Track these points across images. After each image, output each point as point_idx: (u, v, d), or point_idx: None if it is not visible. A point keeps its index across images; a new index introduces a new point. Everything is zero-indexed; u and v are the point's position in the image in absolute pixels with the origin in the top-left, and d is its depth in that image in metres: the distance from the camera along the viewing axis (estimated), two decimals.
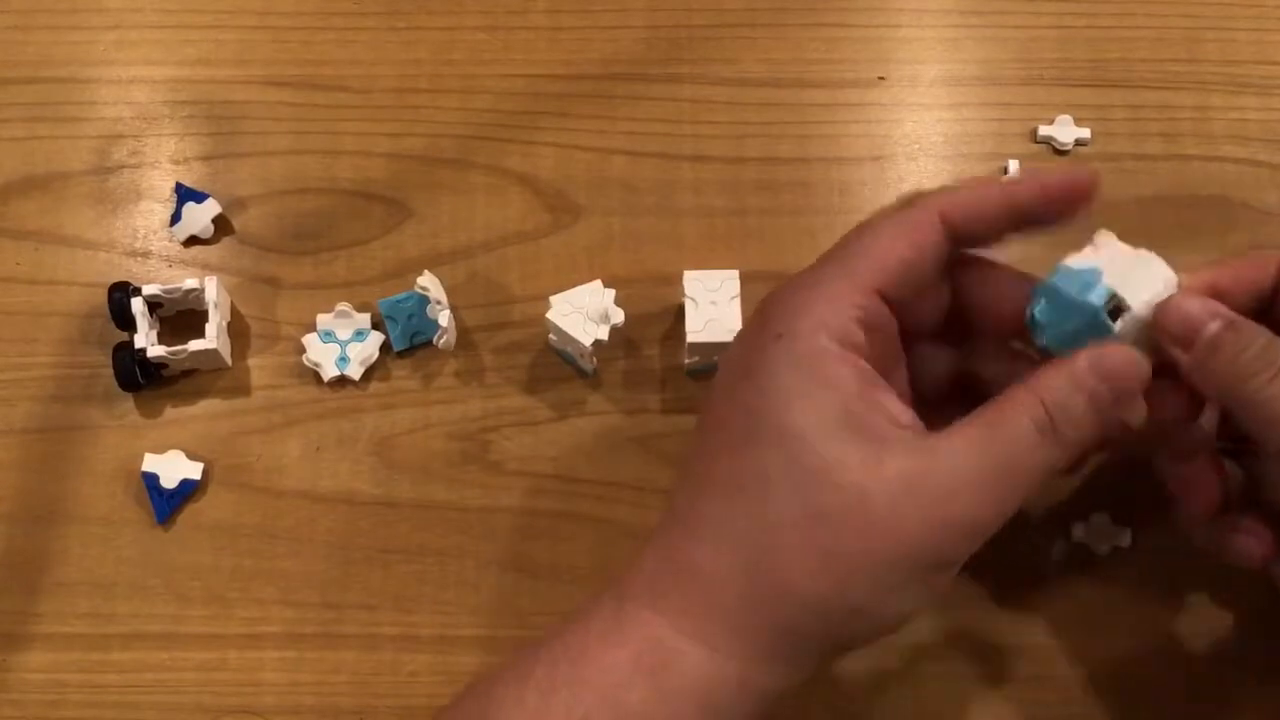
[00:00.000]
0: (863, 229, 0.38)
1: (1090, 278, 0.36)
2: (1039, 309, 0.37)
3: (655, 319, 0.50)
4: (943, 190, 0.38)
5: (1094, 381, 0.35)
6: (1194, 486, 0.41)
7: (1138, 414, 0.36)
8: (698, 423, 0.39)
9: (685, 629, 0.35)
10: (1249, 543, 0.40)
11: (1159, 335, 0.36)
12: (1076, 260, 0.36)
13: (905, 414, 0.36)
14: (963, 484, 0.34)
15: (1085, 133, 0.53)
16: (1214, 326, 0.35)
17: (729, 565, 0.35)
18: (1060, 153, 0.53)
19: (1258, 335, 0.35)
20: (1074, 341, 0.36)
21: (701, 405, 0.39)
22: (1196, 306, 0.36)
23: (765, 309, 0.38)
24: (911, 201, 0.38)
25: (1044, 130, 0.53)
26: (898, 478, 0.34)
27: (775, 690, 0.36)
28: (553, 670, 0.35)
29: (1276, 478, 0.40)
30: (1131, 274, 0.36)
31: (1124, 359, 0.35)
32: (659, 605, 0.36)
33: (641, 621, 0.36)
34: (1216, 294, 0.37)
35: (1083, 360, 0.35)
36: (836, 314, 0.36)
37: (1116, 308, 0.36)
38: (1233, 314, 0.36)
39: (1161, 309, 0.36)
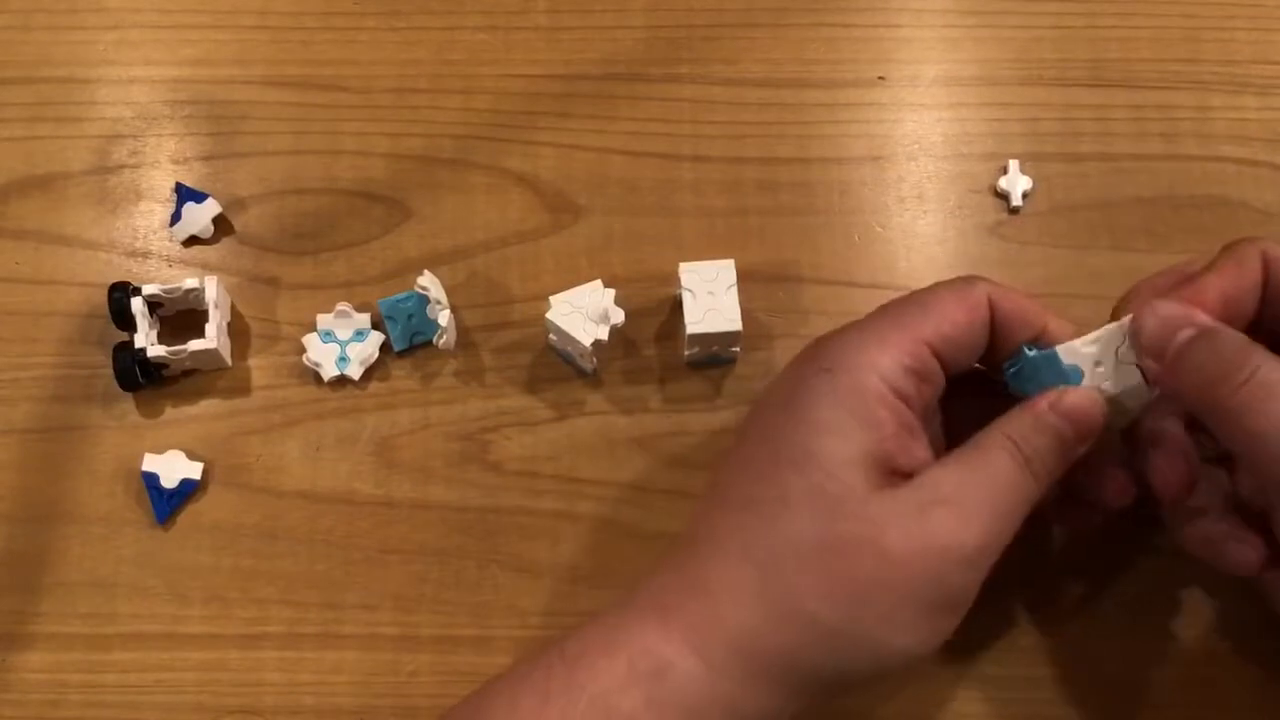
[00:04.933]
0: (921, 292, 0.39)
1: (1074, 376, 0.38)
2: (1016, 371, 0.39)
3: (655, 319, 0.50)
4: (996, 283, 0.39)
5: (1055, 420, 0.37)
6: (1162, 471, 0.40)
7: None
8: (730, 447, 0.39)
9: (686, 642, 0.35)
10: (1243, 550, 0.39)
11: (1135, 344, 0.37)
12: (1069, 351, 0.38)
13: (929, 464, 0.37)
14: (958, 514, 0.35)
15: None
16: (1185, 335, 0.35)
17: (741, 582, 0.36)
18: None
19: (1229, 342, 0.35)
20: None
21: (736, 431, 0.39)
22: (1168, 312, 0.36)
23: (816, 346, 0.39)
24: (967, 280, 0.39)
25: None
26: (910, 513, 0.35)
27: (761, 718, 0.36)
28: (549, 674, 0.36)
29: (1250, 487, 0.40)
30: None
31: (1081, 397, 0.37)
32: (665, 617, 0.36)
33: (642, 631, 0.36)
34: (1206, 303, 0.37)
35: (1043, 402, 0.37)
36: (891, 358, 0.37)
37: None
38: (1208, 321, 0.36)
39: (1135, 320, 0.36)
